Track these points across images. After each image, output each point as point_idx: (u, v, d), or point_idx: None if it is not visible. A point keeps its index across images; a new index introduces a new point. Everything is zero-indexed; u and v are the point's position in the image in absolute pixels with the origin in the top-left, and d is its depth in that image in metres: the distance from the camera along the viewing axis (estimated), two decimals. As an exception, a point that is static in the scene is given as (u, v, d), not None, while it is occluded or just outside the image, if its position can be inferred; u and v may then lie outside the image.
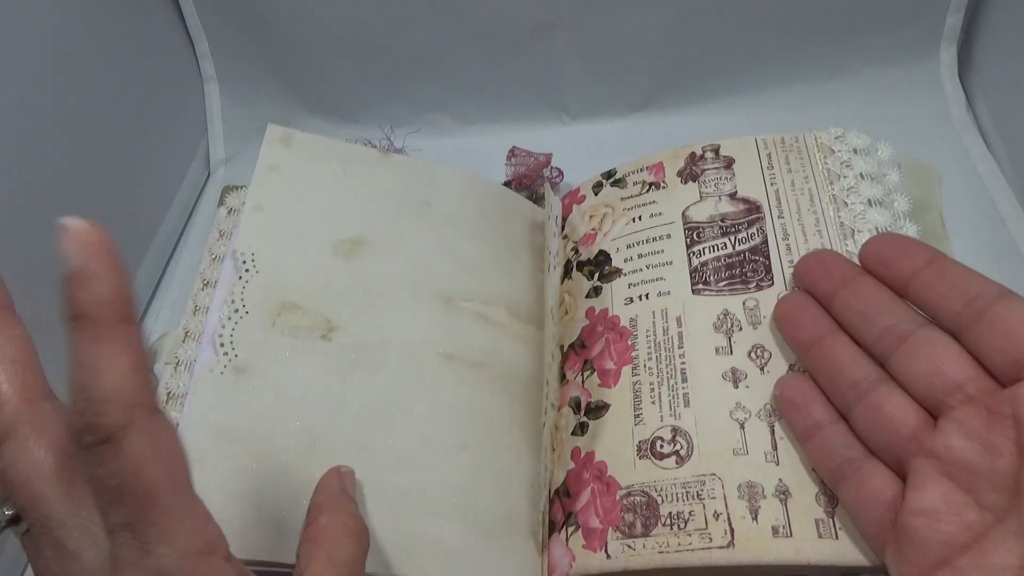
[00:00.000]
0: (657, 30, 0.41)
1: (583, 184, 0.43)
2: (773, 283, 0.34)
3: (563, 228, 0.42)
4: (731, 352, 0.33)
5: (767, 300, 0.34)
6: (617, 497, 0.31)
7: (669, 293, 0.35)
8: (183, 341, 0.38)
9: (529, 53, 0.48)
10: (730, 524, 0.29)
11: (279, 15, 0.49)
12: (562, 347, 0.38)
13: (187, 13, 0.51)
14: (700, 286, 0.35)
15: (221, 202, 0.45)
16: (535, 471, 0.35)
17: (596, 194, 0.41)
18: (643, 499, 0.31)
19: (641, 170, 0.41)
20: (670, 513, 0.30)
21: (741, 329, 0.33)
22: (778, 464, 0.30)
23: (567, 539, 0.32)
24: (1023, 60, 0.44)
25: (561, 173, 0.48)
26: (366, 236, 0.38)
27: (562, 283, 0.40)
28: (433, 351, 0.36)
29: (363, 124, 0.55)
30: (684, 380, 0.33)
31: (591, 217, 0.41)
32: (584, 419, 0.34)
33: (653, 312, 0.35)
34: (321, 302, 0.36)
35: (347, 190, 0.39)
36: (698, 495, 0.30)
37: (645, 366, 0.34)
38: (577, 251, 0.40)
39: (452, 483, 0.33)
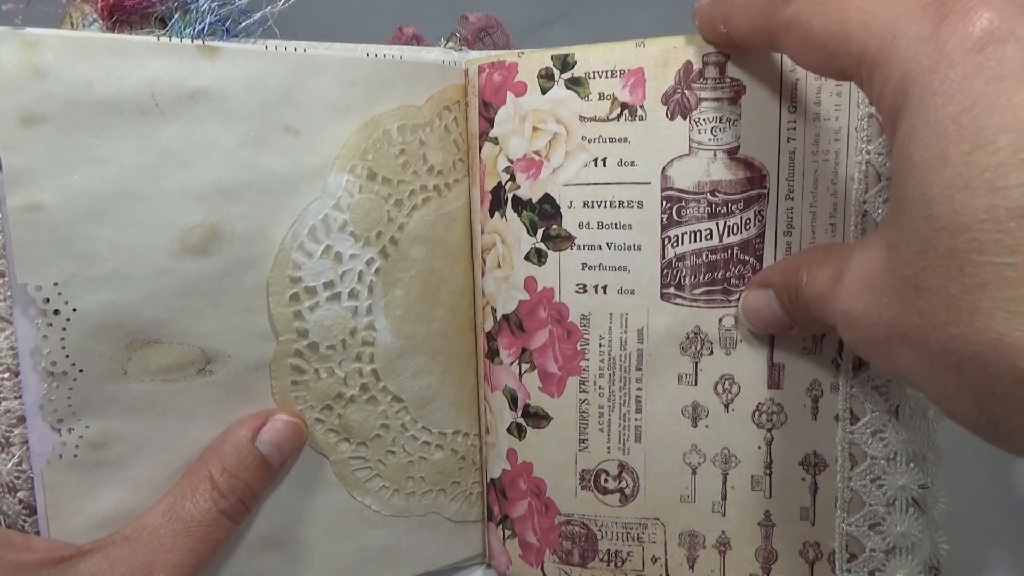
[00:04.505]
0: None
1: (522, 61, 0.29)
2: (759, 297, 0.28)
3: (492, 123, 0.30)
4: (695, 383, 0.29)
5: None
6: (556, 522, 0.30)
7: (633, 292, 0.28)
8: None
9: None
10: (667, 570, 0.30)
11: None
12: (493, 311, 0.31)
13: None
14: (672, 290, 0.28)
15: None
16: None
17: (544, 92, 0.29)
18: (582, 531, 0.30)
19: (612, 74, 0.28)
20: (608, 550, 0.30)
21: (712, 354, 0.28)
22: (724, 515, 0.29)
23: (504, 539, 0.32)
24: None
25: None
26: (217, 214, 0.27)
27: (492, 217, 0.31)
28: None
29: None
30: (638, 411, 0.29)
31: (535, 131, 0.29)
32: (521, 421, 0.31)
33: (611, 315, 0.29)
34: (184, 327, 0.27)
35: (165, 137, 0.26)
36: (638, 538, 0.30)
37: (596, 384, 0.29)
38: (514, 179, 0.30)
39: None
